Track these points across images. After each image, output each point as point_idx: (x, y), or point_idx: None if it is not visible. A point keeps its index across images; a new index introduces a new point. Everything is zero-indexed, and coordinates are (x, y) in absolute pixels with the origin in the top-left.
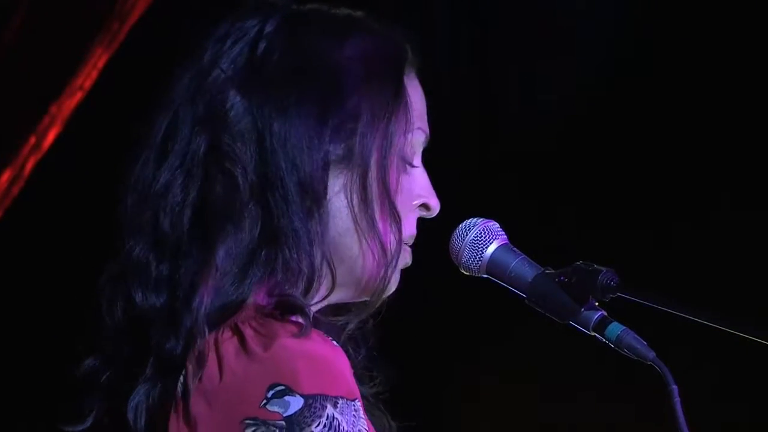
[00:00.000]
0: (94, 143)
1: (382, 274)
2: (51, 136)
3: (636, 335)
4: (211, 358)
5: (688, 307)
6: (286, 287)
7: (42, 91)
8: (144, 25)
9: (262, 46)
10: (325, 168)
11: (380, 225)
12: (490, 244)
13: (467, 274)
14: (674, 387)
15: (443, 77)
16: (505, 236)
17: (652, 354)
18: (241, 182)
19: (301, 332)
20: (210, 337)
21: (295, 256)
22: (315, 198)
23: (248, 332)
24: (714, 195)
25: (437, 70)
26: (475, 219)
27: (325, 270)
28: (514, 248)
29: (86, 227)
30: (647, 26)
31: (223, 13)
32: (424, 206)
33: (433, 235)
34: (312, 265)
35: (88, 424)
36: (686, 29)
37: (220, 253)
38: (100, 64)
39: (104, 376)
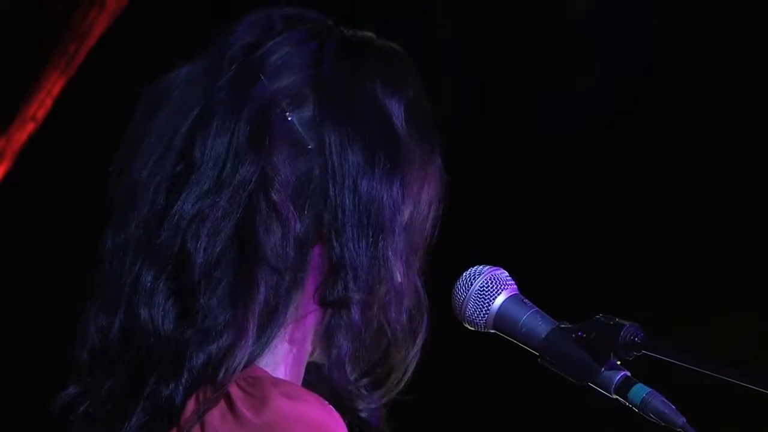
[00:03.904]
0: (47, 181)
1: (416, 325)
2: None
3: (664, 398)
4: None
5: (725, 365)
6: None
7: None
8: (105, 47)
9: (328, 64)
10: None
11: (417, 276)
12: (498, 295)
13: (472, 329)
14: None
15: (446, 95)
16: (515, 286)
17: (682, 420)
18: (294, 227)
19: (296, 393)
20: (190, 399)
21: (356, 319)
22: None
23: (235, 392)
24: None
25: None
26: (481, 267)
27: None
28: (525, 299)
29: (38, 273)
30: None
31: (199, 28)
32: None
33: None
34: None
35: None
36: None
37: (260, 297)
38: (56, 90)
39: (81, 408)
